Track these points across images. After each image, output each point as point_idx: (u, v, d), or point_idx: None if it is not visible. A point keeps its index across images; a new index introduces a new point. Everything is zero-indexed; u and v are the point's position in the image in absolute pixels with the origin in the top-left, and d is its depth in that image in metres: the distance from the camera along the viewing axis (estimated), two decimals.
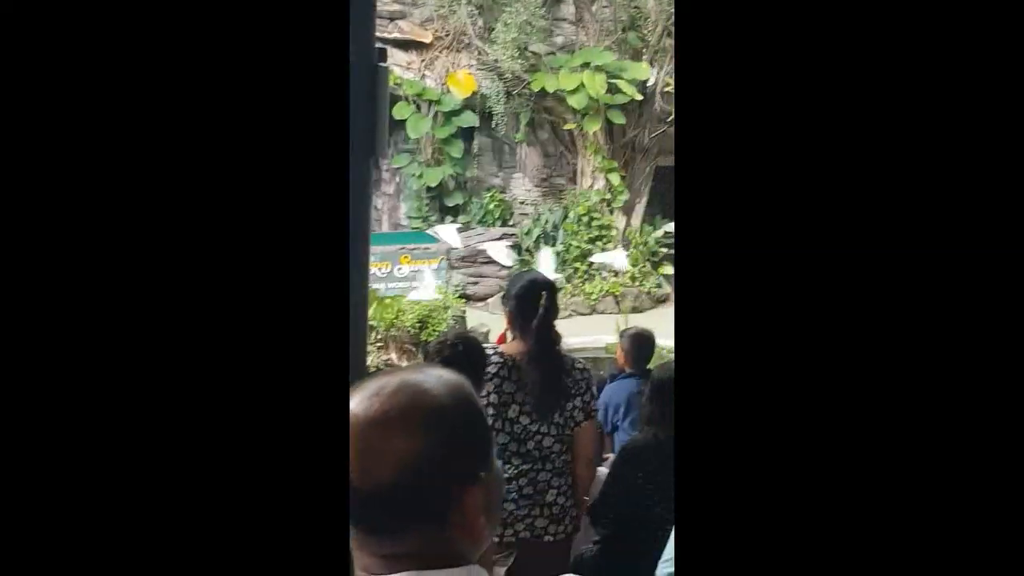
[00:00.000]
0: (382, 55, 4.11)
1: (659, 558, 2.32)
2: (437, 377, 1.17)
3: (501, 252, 12.82)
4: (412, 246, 11.99)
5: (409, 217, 13.69)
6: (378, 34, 4.16)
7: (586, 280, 13.00)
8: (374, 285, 9.99)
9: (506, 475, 3.06)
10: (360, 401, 1.14)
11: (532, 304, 3.16)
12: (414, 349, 9.40)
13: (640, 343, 5.01)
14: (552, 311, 3.19)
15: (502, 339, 3.23)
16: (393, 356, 9.37)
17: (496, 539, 2.93)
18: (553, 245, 13.28)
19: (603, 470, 3.53)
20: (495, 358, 3.14)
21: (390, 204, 13.79)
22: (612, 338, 10.01)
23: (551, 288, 3.27)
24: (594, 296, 12.72)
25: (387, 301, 9.92)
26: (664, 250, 13.48)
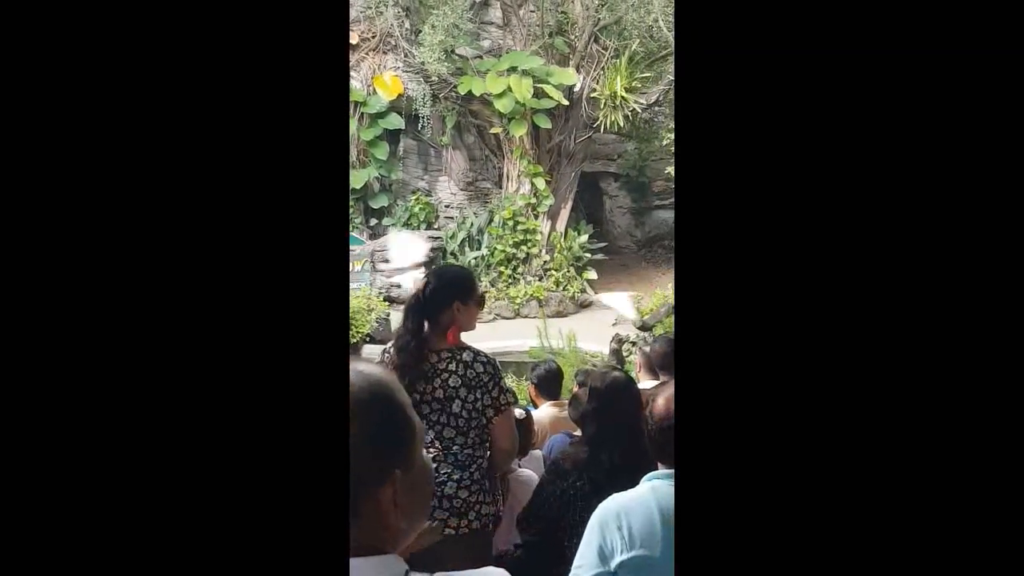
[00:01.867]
0: None
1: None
2: (357, 372, 1.17)
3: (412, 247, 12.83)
4: None
5: None
6: None
7: (510, 284, 13.04)
8: None
9: None
10: None
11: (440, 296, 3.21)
12: None
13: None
14: (435, 302, 3.21)
15: (455, 332, 3.23)
16: None
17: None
18: (478, 249, 13.29)
19: (529, 473, 3.53)
20: (444, 354, 3.18)
21: None
22: (535, 342, 10.06)
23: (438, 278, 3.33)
24: (518, 300, 12.76)
25: None
26: (587, 255, 13.58)
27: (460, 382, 3.12)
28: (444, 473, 3.15)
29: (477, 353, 3.22)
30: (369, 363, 1.23)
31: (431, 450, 3.13)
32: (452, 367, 3.13)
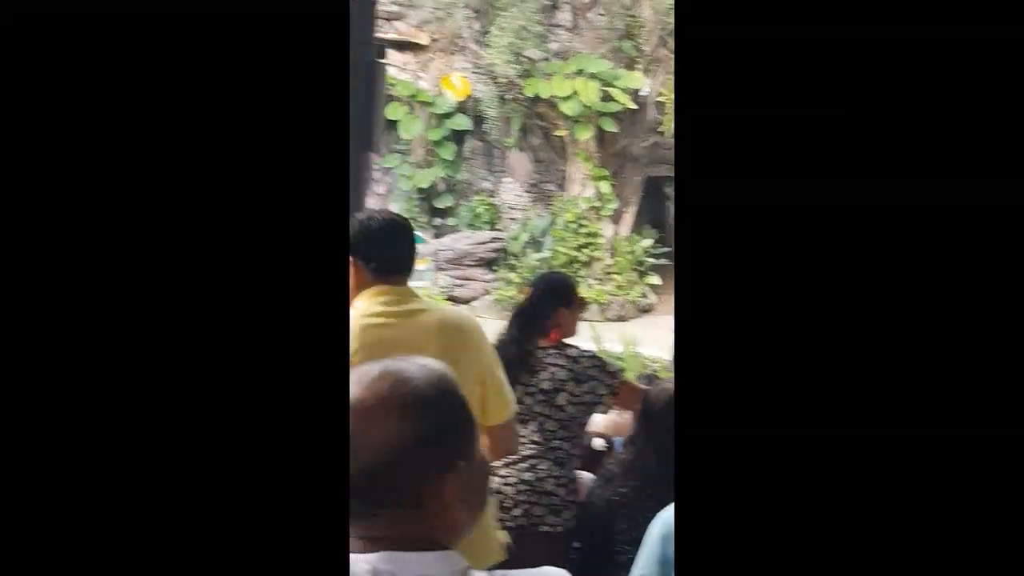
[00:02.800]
0: (381, 51, 4.13)
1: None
2: (420, 366, 1.19)
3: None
4: None
5: None
6: (375, 34, 4.19)
7: None
8: None
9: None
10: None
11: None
12: None
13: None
14: (540, 308, 3.26)
15: (557, 334, 3.29)
16: None
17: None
18: (541, 251, 13.30)
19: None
20: (551, 350, 3.26)
21: (380, 204, 13.79)
22: (594, 346, 10.04)
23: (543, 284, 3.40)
24: None
25: None
26: (651, 260, 13.51)
27: (568, 375, 3.16)
28: (543, 469, 3.18)
29: (583, 349, 3.27)
30: (429, 358, 1.25)
31: (530, 446, 3.16)
32: (560, 361, 3.18)
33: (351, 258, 2.44)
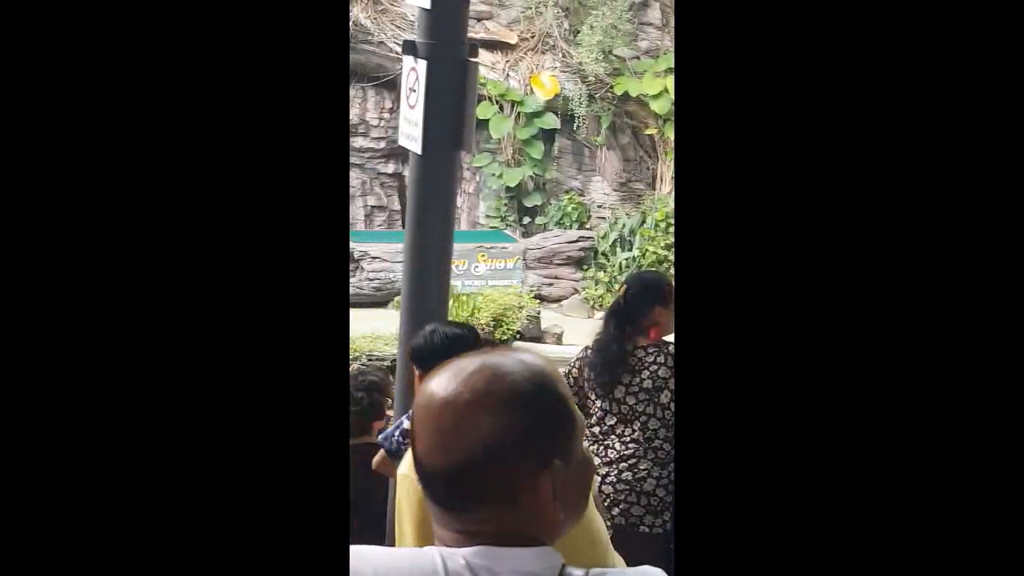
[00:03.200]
0: (473, 51, 4.15)
1: None
2: (518, 360, 1.18)
3: None
4: (489, 245, 12.05)
5: (487, 216, 13.76)
6: (467, 34, 4.22)
7: None
8: (451, 281, 10.04)
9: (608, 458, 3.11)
10: (440, 381, 1.16)
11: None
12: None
13: None
14: (636, 307, 3.25)
15: (656, 332, 3.30)
16: None
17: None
18: (629, 250, 13.25)
19: None
20: (651, 348, 3.26)
21: (469, 202, 13.89)
22: None
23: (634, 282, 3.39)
24: None
25: (463, 298, 9.99)
26: None
27: (670, 373, 3.16)
28: (643, 469, 3.17)
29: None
30: (531, 352, 1.24)
31: (631, 445, 3.16)
32: (661, 359, 3.19)
33: (415, 369, 2.58)
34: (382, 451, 3.08)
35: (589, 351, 3.36)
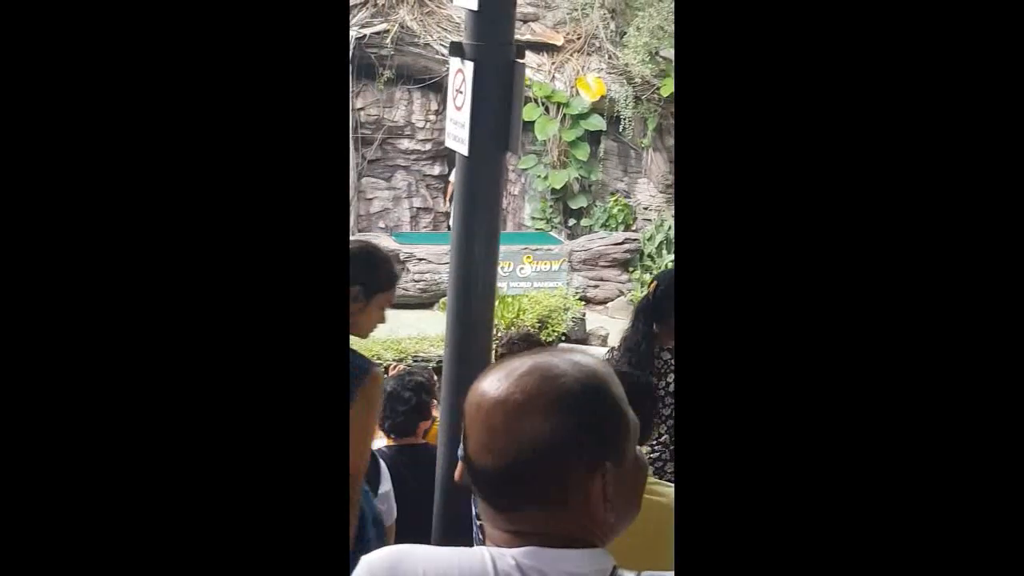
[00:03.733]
0: (520, 52, 4.15)
1: None
2: (571, 362, 1.17)
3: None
4: (535, 247, 12.06)
5: (533, 218, 13.77)
6: (513, 35, 4.22)
7: None
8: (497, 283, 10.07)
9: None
10: (490, 381, 1.16)
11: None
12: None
13: None
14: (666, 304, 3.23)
15: None
16: None
17: None
18: (674, 252, 13.18)
19: None
20: None
21: (515, 204, 13.90)
22: None
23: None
24: None
25: (508, 300, 10.00)
26: None
27: None
28: (670, 472, 3.15)
29: None
30: (586, 354, 1.23)
31: (657, 448, 3.15)
32: None
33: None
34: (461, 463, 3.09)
35: (615, 351, 3.34)
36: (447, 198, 13.23)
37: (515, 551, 1.13)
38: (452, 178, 13.22)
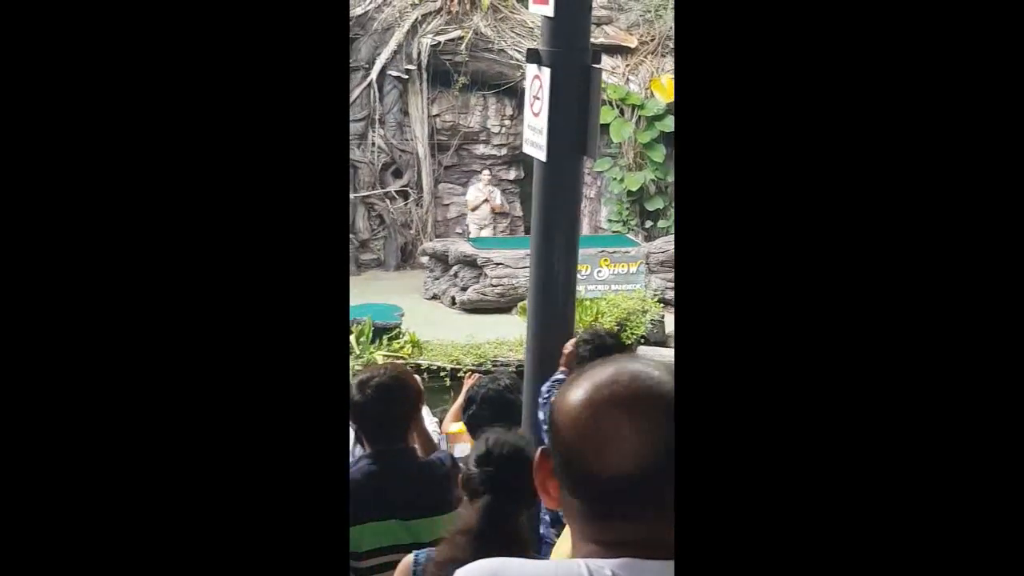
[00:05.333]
0: (596, 57, 4.17)
1: None
2: (667, 368, 1.15)
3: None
4: (612, 249, 12.03)
5: (609, 221, 13.74)
6: (589, 39, 4.24)
7: None
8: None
9: None
10: (590, 389, 1.14)
11: None
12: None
13: None
14: None
15: None
16: None
17: None
18: None
19: None
20: None
21: (591, 207, 13.89)
22: None
23: None
24: None
25: (587, 303, 10.00)
26: None
27: None
28: None
29: None
30: (647, 359, 1.21)
31: None
32: None
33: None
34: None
35: None
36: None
37: (612, 562, 1.11)
38: (469, 196, 13.34)
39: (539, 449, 1.19)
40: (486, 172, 13.66)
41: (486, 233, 13.35)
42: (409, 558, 2.36)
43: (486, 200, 13.30)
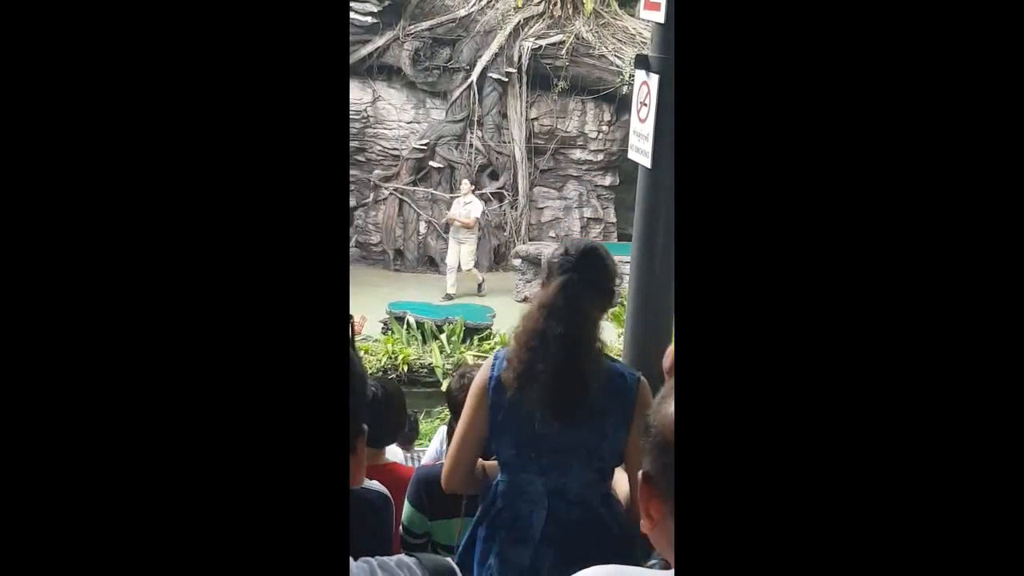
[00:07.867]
0: None
1: None
2: None
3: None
4: None
5: None
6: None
7: None
8: None
9: None
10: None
11: None
12: None
13: None
14: None
15: None
16: None
17: None
18: None
19: None
20: None
21: None
22: None
23: None
24: None
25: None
26: None
27: None
28: None
29: None
30: None
31: None
32: None
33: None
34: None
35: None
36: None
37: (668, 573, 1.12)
38: (452, 211, 12.86)
39: (639, 473, 1.18)
40: (466, 181, 13.29)
41: (468, 249, 12.94)
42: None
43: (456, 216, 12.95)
